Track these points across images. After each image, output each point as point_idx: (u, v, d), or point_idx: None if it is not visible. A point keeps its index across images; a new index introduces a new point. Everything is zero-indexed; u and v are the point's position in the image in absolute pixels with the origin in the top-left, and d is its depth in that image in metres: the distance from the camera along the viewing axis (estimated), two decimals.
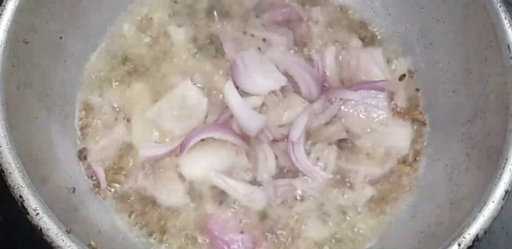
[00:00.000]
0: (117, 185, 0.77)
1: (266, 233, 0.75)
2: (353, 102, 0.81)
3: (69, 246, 0.58)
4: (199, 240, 0.74)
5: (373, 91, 0.80)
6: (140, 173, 0.77)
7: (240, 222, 0.74)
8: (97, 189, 0.76)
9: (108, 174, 0.77)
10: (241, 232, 0.74)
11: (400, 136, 0.81)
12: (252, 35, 0.85)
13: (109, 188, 0.77)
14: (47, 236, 0.58)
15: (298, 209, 0.76)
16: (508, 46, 0.67)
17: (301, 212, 0.75)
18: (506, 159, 0.63)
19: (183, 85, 0.80)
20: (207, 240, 0.74)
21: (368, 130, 0.80)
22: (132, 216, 0.76)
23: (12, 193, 0.60)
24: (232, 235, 0.73)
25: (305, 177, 0.77)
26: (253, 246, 0.73)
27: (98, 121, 0.80)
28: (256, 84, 0.80)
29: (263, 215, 0.75)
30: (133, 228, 0.75)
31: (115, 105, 0.81)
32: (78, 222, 0.67)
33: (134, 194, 0.77)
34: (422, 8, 0.82)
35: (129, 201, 0.76)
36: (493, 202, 0.61)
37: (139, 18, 0.87)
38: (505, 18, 0.69)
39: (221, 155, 0.77)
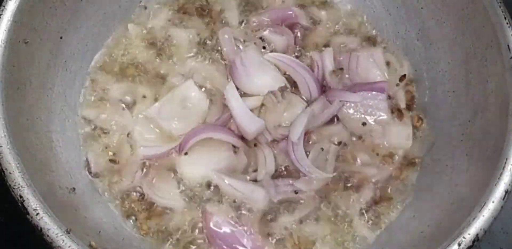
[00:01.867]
0: (115, 184, 0.77)
1: (266, 233, 0.75)
2: (353, 104, 0.81)
3: (69, 246, 0.58)
4: (199, 240, 0.74)
5: (373, 92, 0.80)
6: (137, 173, 0.77)
7: (240, 222, 0.74)
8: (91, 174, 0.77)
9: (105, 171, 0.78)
10: (241, 232, 0.74)
11: (400, 137, 0.81)
12: (251, 36, 0.85)
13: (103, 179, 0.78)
14: (47, 236, 0.58)
15: (298, 209, 0.76)
16: (508, 46, 0.67)
17: (301, 212, 0.75)
18: (506, 159, 0.63)
19: (185, 86, 0.80)
20: (207, 240, 0.74)
21: (368, 131, 0.80)
22: (132, 216, 0.76)
23: (12, 193, 0.60)
24: (231, 234, 0.73)
25: (305, 177, 0.76)
26: (253, 246, 0.73)
27: (99, 122, 0.80)
28: (255, 84, 0.80)
29: (263, 215, 0.75)
30: (133, 228, 0.75)
31: (116, 105, 0.81)
32: (78, 222, 0.67)
33: (132, 193, 0.77)
34: (422, 8, 0.82)
35: (127, 200, 0.76)
36: (493, 202, 0.61)
37: (140, 18, 0.87)
38: (505, 18, 0.69)
39: (220, 155, 0.77)
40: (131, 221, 0.75)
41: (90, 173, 0.77)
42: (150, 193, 0.76)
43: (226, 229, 0.73)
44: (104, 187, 0.77)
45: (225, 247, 0.72)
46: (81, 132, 0.79)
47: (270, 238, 0.74)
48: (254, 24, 0.86)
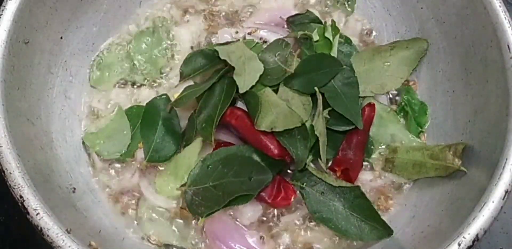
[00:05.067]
0: (115, 183, 0.77)
1: (266, 234, 0.75)
2: None
3: (69, 246, 0.58)
4: (199, 242, 0.74)
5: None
6: (136, 173, 0.77)
7: (239, 222, 0.74)
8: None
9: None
10: (242, 233, 0.74)
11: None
12: (250, 34, 0.85)
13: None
14: (48, 236, 0.58)
15: (299, 209, 0.75)
16: (508, 46, 0.67)
17: (302, 212, 0.75)
18: (506, 159, 0.63)
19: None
20: (206, 241, 0.74)
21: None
22: (131, 217, 0.76)
23: (13, 193, 0.60)
24: (231, 236, 0.73)
25: None
26: (253, 247, 0.73)
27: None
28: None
29: (263, 215, 0.75)
30: (133, 228, 0.75)
31: (117, 105, 0.81)
32: (78, 222, 0.67)
33: (131, 193, 0.77)
34: (422, 8, 0.82)
35: (126, 200, 0.76)
36: (493, 202, 0.61)
37: (141, 18, 0.87)
38: (505, 18, 0.69)
39: None
40: (131, 221, 0.75)
41: (95, 169, 0.77)
42: (148, 194, 0.76)
43: (225, 230, 0.73)
44: (104, 187, 0.77)
45: (224, 248, 0.72)
46: (81, 131, 0.79)
47: (271, 238, 0.74)
48: (254, 24, 0.86)
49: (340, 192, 0.71)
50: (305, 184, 0.72)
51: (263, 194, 0.71)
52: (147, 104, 0.79)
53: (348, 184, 0.71)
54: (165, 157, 0.76)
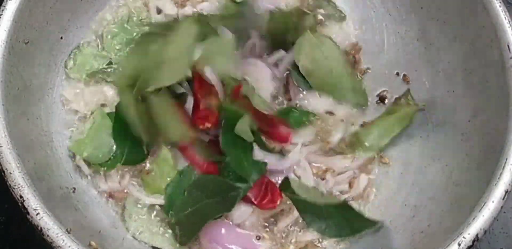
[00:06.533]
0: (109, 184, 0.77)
1: (263, 233, 0.75)
2: None
3: (69, 246, 0.58)
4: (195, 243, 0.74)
5: None
6: (127, 174, 0.77)
7: (232, 222, 0.74)
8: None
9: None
10: (237, 233, 0.74)
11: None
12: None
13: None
14: (48, 236, 0.58)
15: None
16: (508, 46, 0.67)
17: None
18: (506, 159, 0.63)
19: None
20: (203, 242, 0.74)
21: None
22: (131, 217, 0.76)
23: (13, 193, 0.60)
24: (227, 236, 0.73)
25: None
26: (250, 247, 0.73)
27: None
28: None
29: (260, 215, 0.75)
30: (133, 228, 0.75)
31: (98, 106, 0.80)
32: (78, 222, 0.67)
33: (123, 194, 0.77)
34: (422, 8, 0.82)
35: (120, 201, 0.76)
36: (493, 202, 0.61)
37: (141, 18, 0.87)
38: (505, 18, 0.69)
39: None
40: (131, 221, 0.75)
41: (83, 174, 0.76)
42: (136, 193, 0.75)
43: (220, 230, 0.73)
44: (102, 187, 0.77)
45: (220, 248, 0.72)
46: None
47: (268, 237, 0.74)
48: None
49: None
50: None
51: (249, 194, 0.71)
52: (117, 105, 0.75)
53: (335, 200, 0.72)
54: (141, 158, 0.75)
